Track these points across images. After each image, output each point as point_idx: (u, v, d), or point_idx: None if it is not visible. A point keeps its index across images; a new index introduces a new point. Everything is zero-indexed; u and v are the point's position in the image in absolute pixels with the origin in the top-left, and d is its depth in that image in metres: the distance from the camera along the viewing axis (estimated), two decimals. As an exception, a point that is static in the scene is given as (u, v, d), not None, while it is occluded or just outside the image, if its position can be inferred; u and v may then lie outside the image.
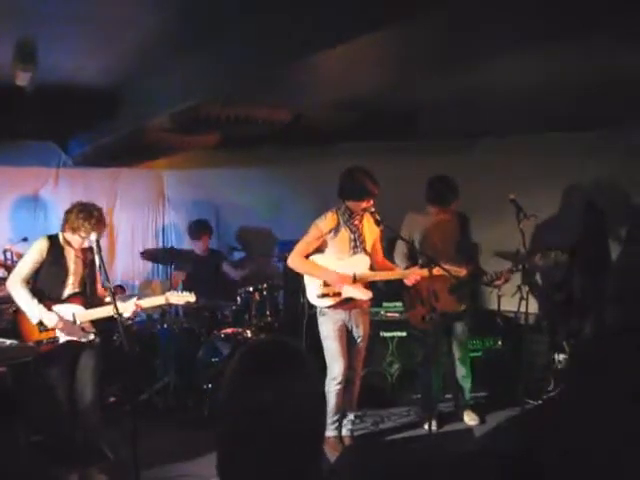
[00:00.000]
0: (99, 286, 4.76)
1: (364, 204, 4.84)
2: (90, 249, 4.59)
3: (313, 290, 5.02)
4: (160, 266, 7.81)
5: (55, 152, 7.26)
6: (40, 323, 4.37)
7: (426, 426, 5.28)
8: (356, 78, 3.98)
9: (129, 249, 7.67)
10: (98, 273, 4.72)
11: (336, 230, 4.92)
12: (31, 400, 4.75)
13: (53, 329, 4.43)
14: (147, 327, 6.61)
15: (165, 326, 6.43)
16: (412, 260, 5.46)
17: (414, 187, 7.14)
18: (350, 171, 4.91)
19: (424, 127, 6.80)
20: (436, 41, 3.07)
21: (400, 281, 5.25)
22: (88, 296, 4.58)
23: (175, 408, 5.96)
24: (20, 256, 6.26)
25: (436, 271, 4.85)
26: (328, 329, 4.97)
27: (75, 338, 4.50)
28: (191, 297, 4.87)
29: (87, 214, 4.43)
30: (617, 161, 6.36)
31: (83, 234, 4.43)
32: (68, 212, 4.51)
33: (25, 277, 4.50)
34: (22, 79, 4.69)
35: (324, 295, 4.98)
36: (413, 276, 5.07)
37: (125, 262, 7.63)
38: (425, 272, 4.89)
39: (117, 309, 4.15)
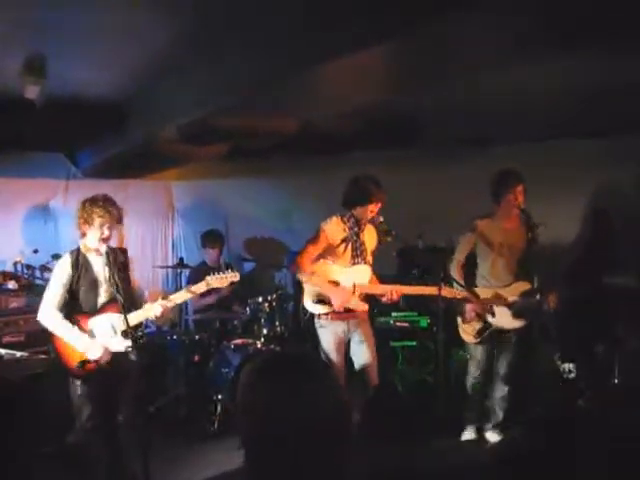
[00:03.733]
0: (135, 284, 4.58)
1: (370, 208, 4.84)
2: (116, 250, 4.40)
3: (309, 296, 5.00)
4: (170, 276, 7.84)
5: (64, 164, 7.28)
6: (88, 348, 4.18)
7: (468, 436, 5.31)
8: (363, 87, 3.98)
9: (138, 260, 7.66)
10: (130, 274, 4.54)
11: (343, 233, 4.92)
12: (46, 412, 4.69)
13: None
14: (157, 338, 6.62)
15: (175, 337, 6.44)
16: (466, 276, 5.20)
17: (422, 195, 7.20)
18: (354, 178, 4.93)
19: (432, 136, 6.81)
20: (440, 50, 3.07)
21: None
22: (124, 300, 4.18)
23: (185, 419, 5.96)
24: (31, 268, 6.31)
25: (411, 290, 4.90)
26: (326, 342, 4.95)
27: (116, 350, 4.27)
28: (235, 276, 4.65)
29: (93, 201, 4.22)
30: (626, 168, 6.35)
31: (98, 222, 4.18)
32: (77, 211, 4.28)
33: (58, 305, 4.25)
34: (31, 92, 4.71)
35: (320, 301, 4.96)
36: (389, 295, 4.85)
37: (135, 273, 7.63)
38: (410, 289, 4.94)
39: (127, 322, 4.06)
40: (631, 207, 6.49)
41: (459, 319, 5.24)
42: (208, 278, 4.57)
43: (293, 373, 1.54)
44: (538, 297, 5.03)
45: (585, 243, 6.68)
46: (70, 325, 4.22)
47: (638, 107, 5.21)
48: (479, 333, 5.14)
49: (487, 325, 5.11)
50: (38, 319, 4.30)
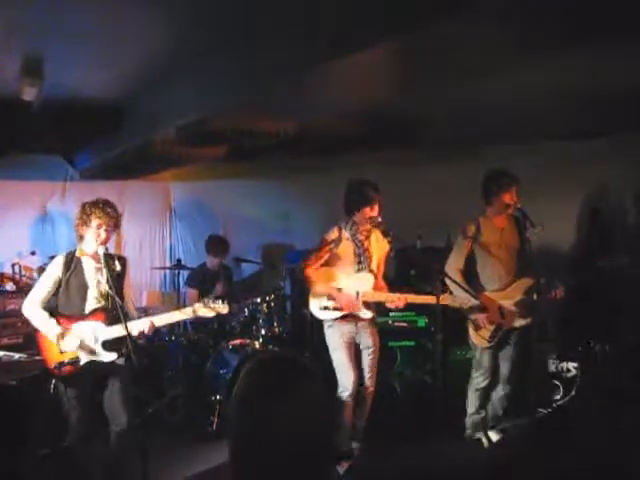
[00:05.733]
0: (128, 296, 4.52)
1: (367, 211, 4.85)
2: (113, 257, 4.40)
3: (316, 302, 5.04)
4: (168, 278, 7.83)
5: (62, 166, 7.28)
6: (61, 336, 4.19)
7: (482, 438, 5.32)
8: (362, 89, 3.99)
9: (136, 261, 7.66)
10: (125, 284, 4.51)
11: (338, 241, 4.94)
12: (43, 414, 4.68)
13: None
14: (155, 339, 6.61)
15: (173, 338, 6.44)
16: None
17: (421, 196, 7.20)
18: (349, 183, 4.98)
19: (431, 136, 6.81)
20: (441, 51, 3.08)
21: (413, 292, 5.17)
22: (111, 310, 4.22)
23: (183, 420, 5.95)
24: (28, 270, 6.31)
25: (411, 298, 4.93)
26: (335, 341, 4.97)
27: (95, 358, 4.26)
28: (224, 308, 4.49)
29: (93, 203, 4.27)
30: (622, 169, 6.36)
31: (95, 223, 4.21)
32: (76, 214, 4.32)
33: (42, 299, 4.29)
34: (29, 94, 4.71)
35: (325, 308, 4.98)
36: (397, 302, 4.94)
37: (133, 274, 7.58)
38: (410, 298, 4.95)
39: (127, 328, 4.02)
40: (626, 207, 6.52)
41: (470, 327, 5.20)
42: (196, 306, 4.46)
43: (279, 375, 1.55)
44: (536, 296, 5.02)
45: (582, 243, 6.70)
46: (47, 316, 4.24)
47: (635, 107, 5.23)
48: (492, 337, 5.12)
49: (499, 327, 5.10)
50: (22, 311, 4.35)
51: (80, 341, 4.22)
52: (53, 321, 4.23)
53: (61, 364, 4.19)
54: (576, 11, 2.44)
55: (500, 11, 2.44)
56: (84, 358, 4.25)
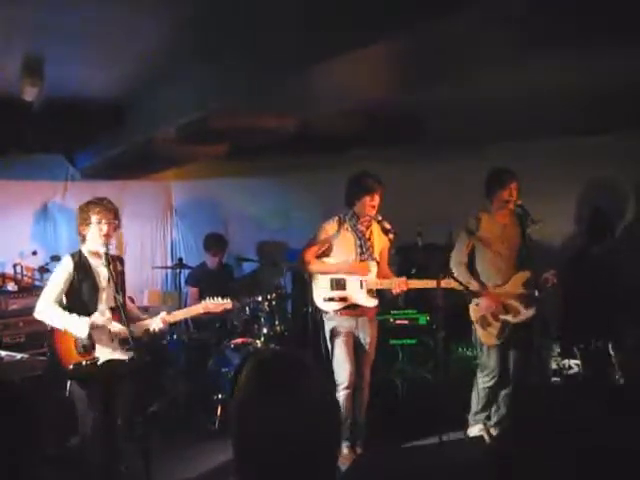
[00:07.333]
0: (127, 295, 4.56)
1: (368, 200, 4.88)
2: (114, 257, 4.38)
3: (320, 293, 5.04)
4: (169, 277, 7.83)
5: (63, 165, 7.26)
6: (89, 336, 4.14)
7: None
8: (362, 87, 3.99)
9: (138, 261, 7.65)
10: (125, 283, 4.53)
11: (338, 232, 4.96)
12: (48, 414, 4.68)
13: (91, 350, 4.19)
14: (157, 338, 6.61)
15: (175, 337, 6.44)
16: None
17: (421, 193, 7.20)
18: (350, 176, 5.03)
19: (432, 134, 6.81)
20: (440, 50, 3.08)
21: (414, 290, 5.16)
22: (122, 309, 4.18)
23: (186, 418, 5.96)
24: (30, 270, 6.32)
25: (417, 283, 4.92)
26: (335, 334, 4.99)
27: (114, 357, 4.26)
28: (228, 304, 4.79)
29: (88, 202, 4.30)
30: (623, 165, 6.36)
31: (95, 218, 4.20)
32: (77, 215, 4.31)
33: (55, 300, 4.20)
34: (30, 94, 4.71)
35: (331, 299, 4.99)
36: (399, 286, 4.93)
37: (133, 273, 7.59)
38: (411, 283, 4.93)
39: (128, 327, 4.06)
40: (629, 205, 6.52)
41: (477, 326, 5.17)
42: (206, 301, 4.72)
43: (279, 373, 1.55)
44: (537, 293, 5.02)
45: (583, 240, 6.70)
46: (64, 311, 4.18)
47: (634, 105, 5.24)
48: (501, 333, 5.10)
49: (506, 323, 5.10)
50: (35, 315, 4.25)
51: (102, 337, 4.24)
52: (74, 317, 4.15)
53: (79, 365, 4.16)
54: (576, 11, 2.45)
55: (501, 11, 2.44)
56: (102, 357, 4.22)
